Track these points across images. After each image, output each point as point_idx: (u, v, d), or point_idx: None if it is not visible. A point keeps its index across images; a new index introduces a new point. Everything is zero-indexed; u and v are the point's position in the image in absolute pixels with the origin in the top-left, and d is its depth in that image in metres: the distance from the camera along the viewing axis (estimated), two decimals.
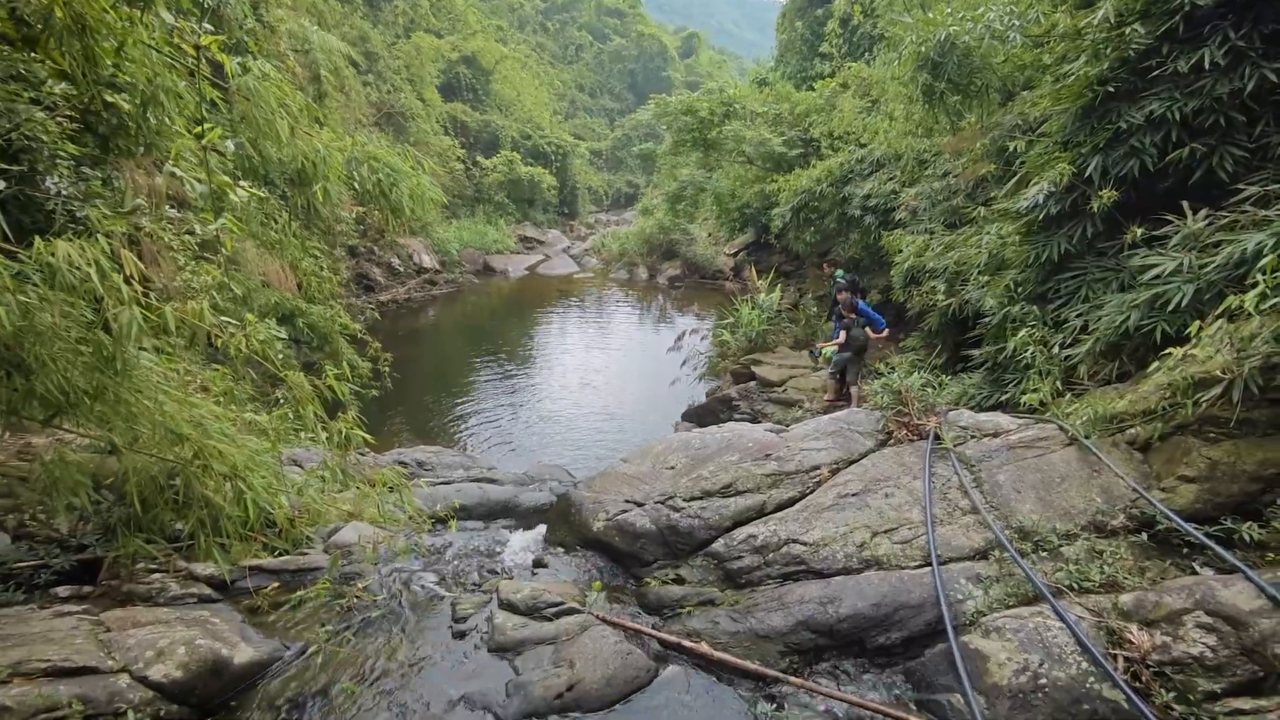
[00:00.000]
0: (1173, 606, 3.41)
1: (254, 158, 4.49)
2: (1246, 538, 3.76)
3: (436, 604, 4.55)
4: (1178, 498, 4.23)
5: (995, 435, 5.31)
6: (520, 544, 5.42)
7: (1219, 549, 3.64)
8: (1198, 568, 3.82)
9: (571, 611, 4.36)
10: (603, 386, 12.38)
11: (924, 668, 3.89)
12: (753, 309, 12.14)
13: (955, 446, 5.19)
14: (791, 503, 4.92)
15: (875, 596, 4.15)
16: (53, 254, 3.18)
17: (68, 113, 5.21)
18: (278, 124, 4.12)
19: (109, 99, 5.06)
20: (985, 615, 3.92)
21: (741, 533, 4.71)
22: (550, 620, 4.28)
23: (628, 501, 5.21)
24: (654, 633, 4.29)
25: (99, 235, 3.55)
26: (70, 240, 3.34)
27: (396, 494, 5.31)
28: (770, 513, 4.86)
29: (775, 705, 3.79)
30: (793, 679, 3.91)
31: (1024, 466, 4.86)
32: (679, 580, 4.73)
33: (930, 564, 4.25)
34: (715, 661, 4.08)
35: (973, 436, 5.34)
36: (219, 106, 4.43)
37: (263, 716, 3.53)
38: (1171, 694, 3.14)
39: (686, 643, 4.18)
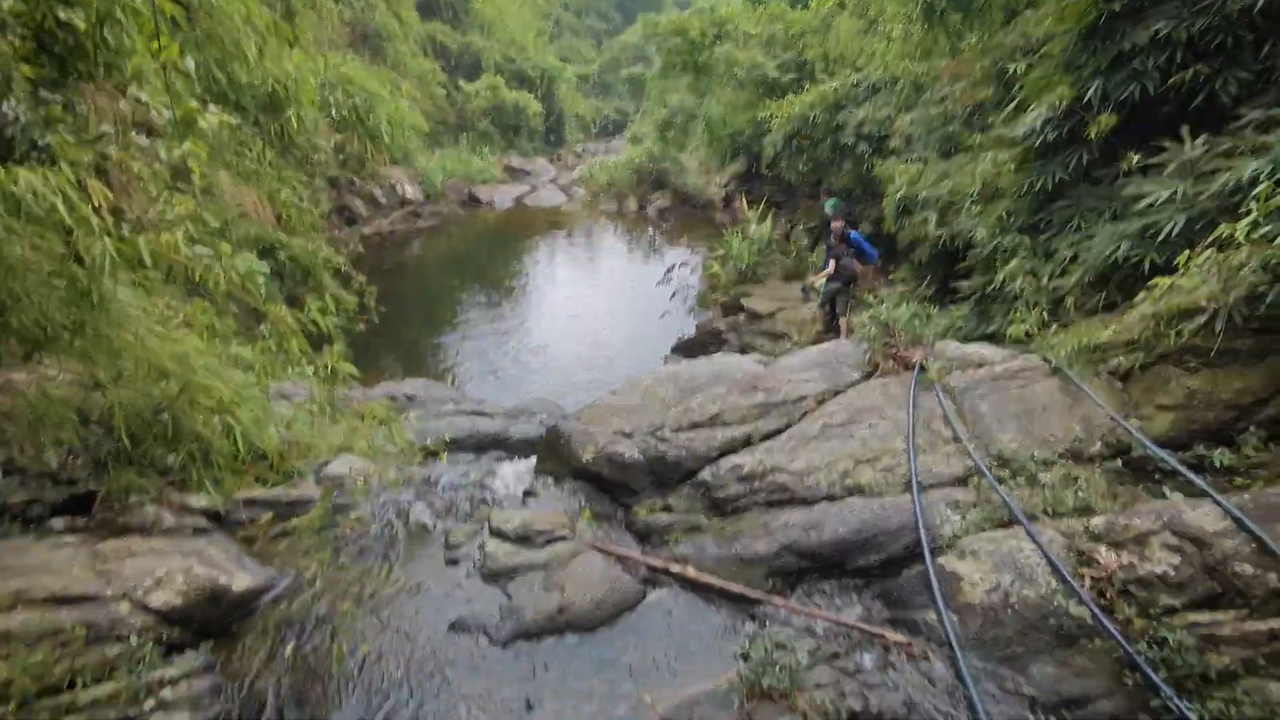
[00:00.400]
0: (1141, 528, 3.53)
1: (221, 80, 4.28)
2: (1217, 463, 3.87)
3: (429, 533, 4.66)
4: (1154, 425, 4.32)
5: (980, 366, 5.37)
6: (511, 475, 5.51)
7: (1189, 474, 3.75)
8: (1168, 492, 3.93)
9: (561, 539, 4.48)
10: (592, 320, 12.33)
11: (901, 588, 4.05)
12: (743, 241, 11.98)
13: (940, 378, 5.25)
14: (778, 433, 5.00)
15: (857, 522, 4.27)
16: (15, 183, 3.06)
17: (20, 31, 4.90)
18: (244, 43, 3.91)
19: (62, 16, 4.75)
20: (961, 538, 4.05)
21: (728, 462, 4.80)
22: (541, 548, 4.40)
23: (617, 433, 5.27)
24: (642, 558, 4.42)
25: (63, 164, 3.41)
26: (33, 169, 3.21)
27: (386, 427, 5.36)
28: (757, 443, 4.95)
29: (758, 624, 3.96)
30: (775, 599, 4.07)
31: (1007, 397, 4.94)
32: (667, 509, 4.84)
33: (911, 491, 4.36)
34: (701, 584, 4.23)
35: (958, 368, 5.39)
36: (180, 25, 4.18)
37: (264, 639, 3.65)
38: (1133, 609, 3.29)
39: (673, 567, 4.32)
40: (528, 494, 5.24)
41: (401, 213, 19.05)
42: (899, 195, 9.02)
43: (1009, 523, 4.04)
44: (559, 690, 3.64)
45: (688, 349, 9.92)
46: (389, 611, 3.96)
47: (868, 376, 5.53)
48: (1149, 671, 3.01)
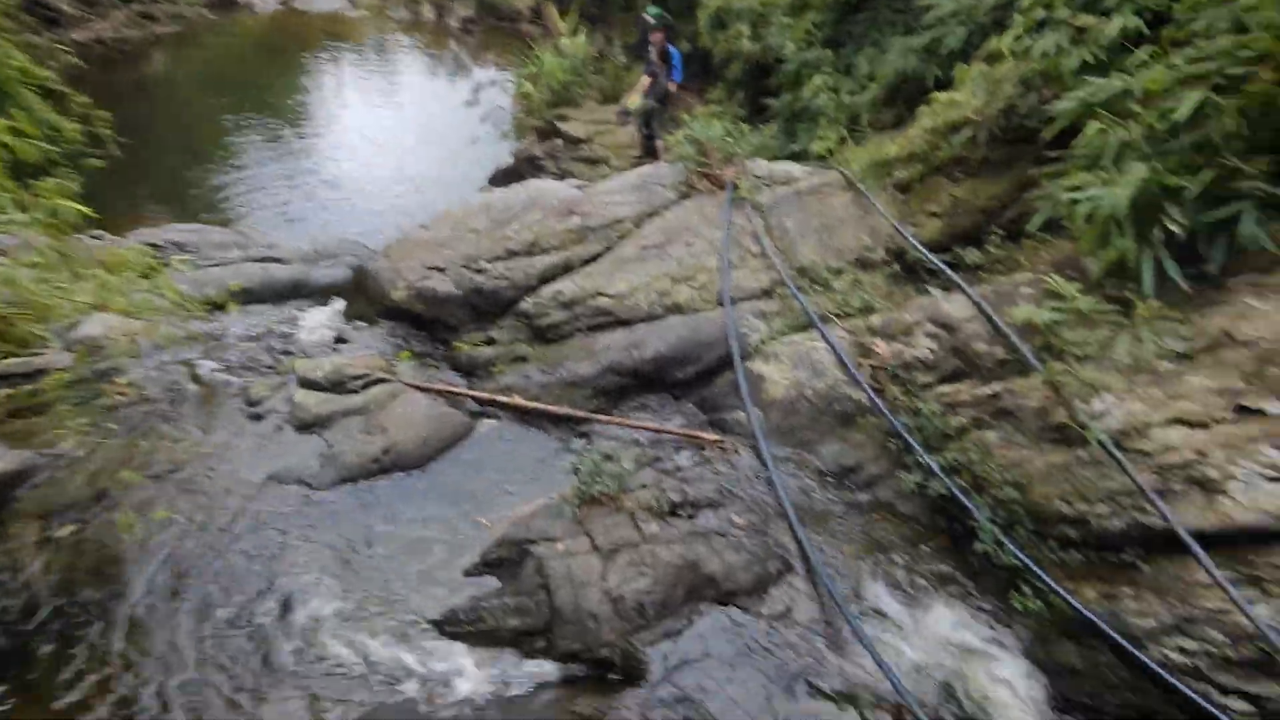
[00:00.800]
0: (909, 321, 4.06)
1: None
2: (968, 261, 4.47)
3: (224, 391, 4.21)
4: (925, 231, 4.85)
5: (787, 184, 5.60)
6: (316, 322, 5.05)
7: (948, 270, 4.30)
8: (932, 290, 4.51)
9: (380, 381, 4.27)
10: (395, 148, 11.07)
11: (715, 394, 4.42)
12: (555, 57, 11.07)
13: (751, 196, 5.41)
14: (597, 257, 4.97)
15: (675, 338, 4.49)
16: None
17: None
18: None
19: None
20: (767, 344, 4.44)
21: (549, 290, 4.74)
22: (357, 392, 4.17)
23: (429, 268, 4.95)
24: (467, 392, 4.37)
25: None
26: None
27: (149, 279, 4.59)
28: (577, 268, 4.90)
29: (586, 441, 4.16)
30: (600, 417, 4.27)
31: (809, 212, 5.25)
32: (489, 341, 4.75)
33: (723, 305, 4.62)
34: (529, 411, 4.31)
35: (767, 186, 5.59)
36: None
37: (31, 526, 3.21)
38: (899, 389, 3.87)
39: (500, 398, 4.34)
40: (338, 340, 4.86)
41: (127, 14, 15.09)
42: (714, 7, 8.66)
43: (806, 326, 4.46)
44: (395, 525, 3.65)
45: (504, 178, 9.33)
46: (188, 475, 3.62)
47: (684, 197, 5.57)
48: (907, 436, 3.61)
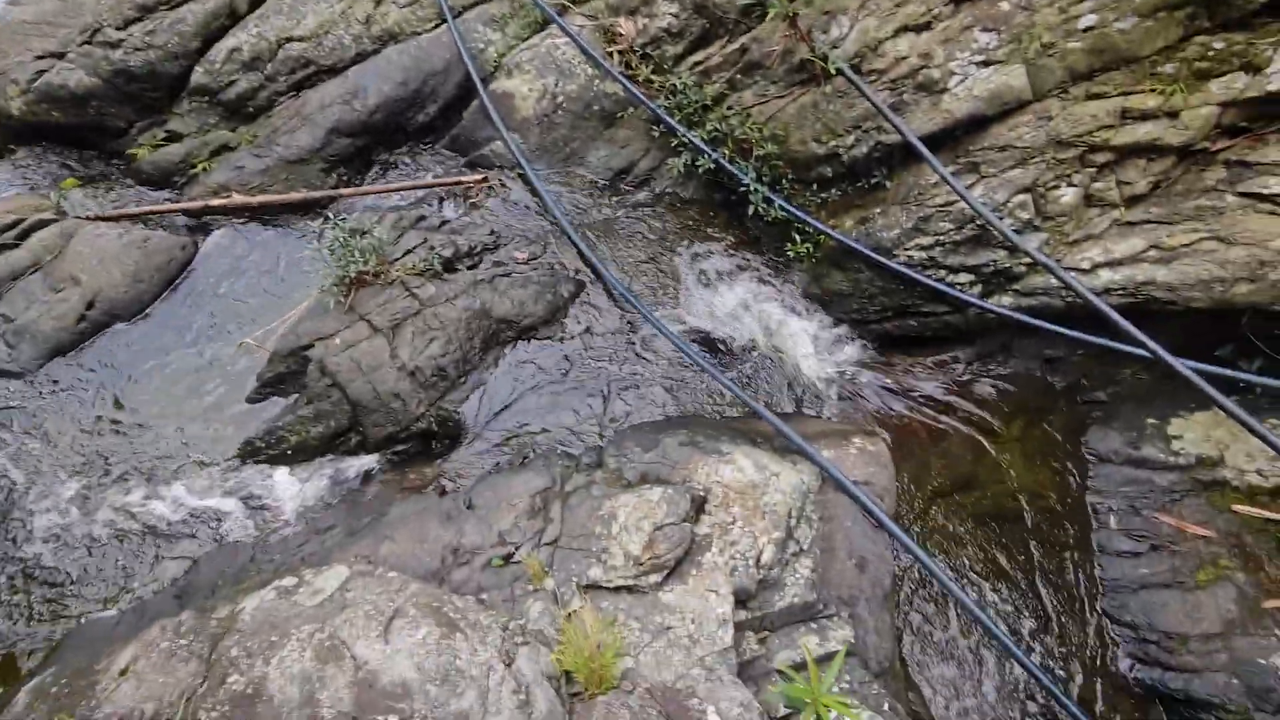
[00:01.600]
0: None
1: None
2: None
3: None
4: None
5: None
6: None
7: None
8: None
9: (42, 224, 3.35)
10: None
11: (465, 130, 3.88)
12: None
13: None
14: None
15: (400, 74, 3.77)
16: None
17: None
18: None
19: None
20: (505, 56, 3.85)
21: (219, 51, 3.70)
22: (16, 246, 3.28)
23: (41, 58, 3.66)
24: (169, 207, 3.58)
25: None
26: None
27: None
28: (246, 12, 3.81)
29: (333, 223, 3.62)
30: (345, 191, 3.69)
31: None
32: (174, 137, 3.78)
33: (445, 20, 3.87)
34: (258, 208, 3.63)
35: None
36: None
37: None
38: (650, 69, 3.55)
39: (215, 201, 3.59)
40: None
41: None
42: None
43: (544, 23, 3.87)
44: (143, 381, 3.16)
45: None
46: None
47: None
48: (667, 119, 3.40)
